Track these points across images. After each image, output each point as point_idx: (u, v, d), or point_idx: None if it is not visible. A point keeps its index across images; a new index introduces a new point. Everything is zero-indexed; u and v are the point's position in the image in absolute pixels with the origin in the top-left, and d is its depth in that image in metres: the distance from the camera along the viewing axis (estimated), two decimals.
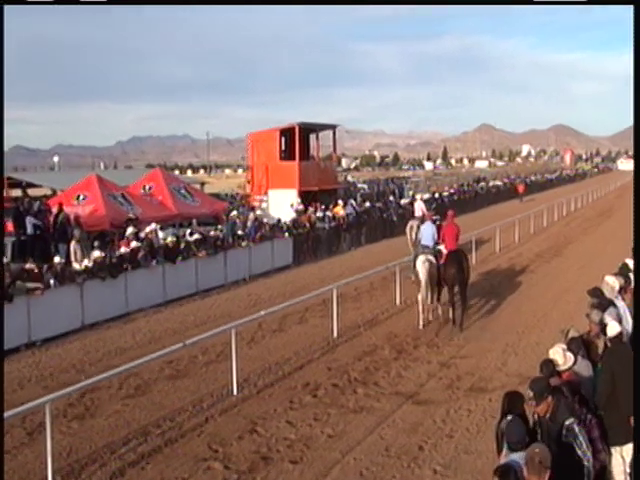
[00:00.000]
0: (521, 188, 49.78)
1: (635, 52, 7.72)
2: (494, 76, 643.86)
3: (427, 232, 15.44)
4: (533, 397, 5.82)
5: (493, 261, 22.76)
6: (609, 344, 6.91)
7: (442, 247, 15.25)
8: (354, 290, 17.87)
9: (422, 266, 14.61)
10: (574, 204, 41.59)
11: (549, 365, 6.49)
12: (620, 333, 6.93)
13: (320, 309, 15.84)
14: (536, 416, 5.96)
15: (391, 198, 35.49)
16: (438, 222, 17.62)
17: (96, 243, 17.12)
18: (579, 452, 5.61)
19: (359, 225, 28.17)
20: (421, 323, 14.69)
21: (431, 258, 14.76)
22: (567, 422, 5.70)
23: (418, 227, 18.00)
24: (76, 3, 9.28)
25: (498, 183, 54.13)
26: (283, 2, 14.54)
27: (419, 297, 14.83)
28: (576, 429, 5.68)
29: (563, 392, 6.02)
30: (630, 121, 8.00)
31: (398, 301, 16.62)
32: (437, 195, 38.23)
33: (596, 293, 8.63)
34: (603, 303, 7.95)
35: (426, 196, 33.93)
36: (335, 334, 13.91)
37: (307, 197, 29.29)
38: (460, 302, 14.88)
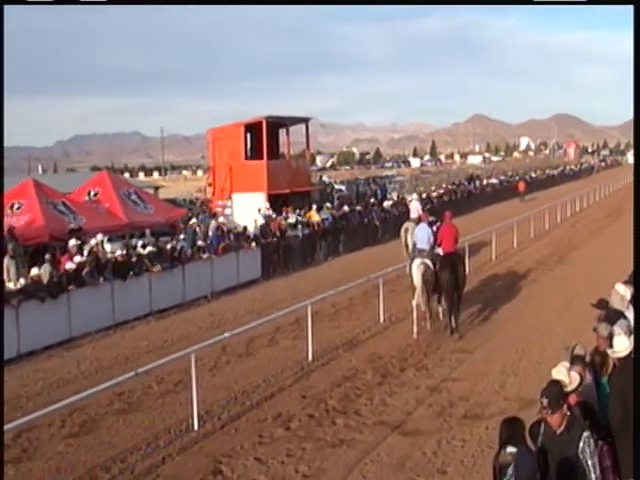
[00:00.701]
0: (522, 186, 50.53)
1: (635, 51, 8.05)
2: (488, 60, 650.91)
3: (422, 234, 15.72)
4: (548, 405, 5.73)
5: (489, 270, 22.93)
6: (617, 362, 6.96)
7: (440, 250, 15.49)
8: (331, 307, 17.90)
9: (417, 269, 14.98)
10: (579, 203, 42.09)
11: (555, 387, 6.51)
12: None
13: (293, 329, 15.85)
14: (540, 439, 5.94)
15: (372, 200, 35.62)
16: (435, 226, 17.85)
17: (48, 256, 16.87)
18: (591, 476, 5.62)
19: (336, 232, 28.25)
20: (415, 331, 15.00)
21: (427, 262, 15.08)
22: (585, 434, 5.70)
23: (413, 230, 18.23)
24: (76, 3, 10.01)
25: (494, 181, 54.64)
26: (282, 2, 14.98)
27: (413, 303, 15.09)
28: (592, 445, 5.69)
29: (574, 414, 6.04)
30: None
31: (382, 318, 16.67)
32: (425, 196, 38.47)
33: (603, 305, 8.70)
34: (612, 315, 8.00)
35: (414, 196, 34.11)
36: (310, 357, 13.92)
37: (277, 201, 29.37)
38: (454, 310, 15.11)
